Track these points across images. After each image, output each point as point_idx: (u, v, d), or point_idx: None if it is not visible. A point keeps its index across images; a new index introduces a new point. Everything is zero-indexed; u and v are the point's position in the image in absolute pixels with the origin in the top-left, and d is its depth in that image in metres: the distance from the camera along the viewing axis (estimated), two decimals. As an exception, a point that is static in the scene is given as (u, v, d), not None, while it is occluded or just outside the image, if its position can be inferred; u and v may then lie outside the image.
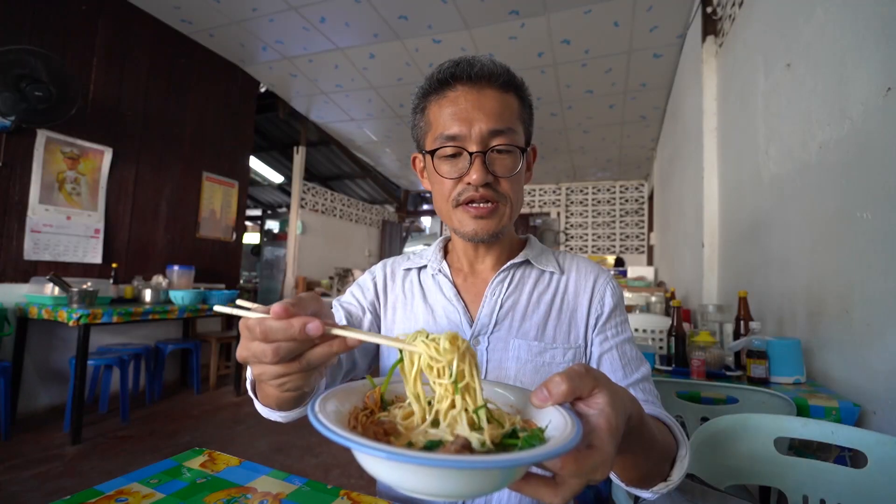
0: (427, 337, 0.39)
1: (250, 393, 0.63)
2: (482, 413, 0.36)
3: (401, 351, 0.40)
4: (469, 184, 0.63)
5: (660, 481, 0.52)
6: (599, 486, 1.22)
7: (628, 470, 0.50)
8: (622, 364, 0.65)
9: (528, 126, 0.69)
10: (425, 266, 0.77)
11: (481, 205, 0.64)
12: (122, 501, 0.51)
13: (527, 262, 0.73)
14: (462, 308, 0.70)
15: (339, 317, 0.71)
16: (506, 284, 0.71)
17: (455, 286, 0.72)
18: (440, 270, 0.74)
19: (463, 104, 0.62)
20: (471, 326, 0.68)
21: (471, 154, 0.62)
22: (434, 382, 0.38)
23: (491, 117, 0.62)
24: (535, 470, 0.37)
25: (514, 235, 0.76)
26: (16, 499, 1.80)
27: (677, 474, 0.52)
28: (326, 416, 0.33)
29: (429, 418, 0.37)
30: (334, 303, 0.75)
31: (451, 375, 0.37)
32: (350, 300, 0.76)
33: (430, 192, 0.72)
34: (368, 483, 2.05)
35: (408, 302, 0.74)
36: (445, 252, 0.78)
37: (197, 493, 0.54)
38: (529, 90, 0.69)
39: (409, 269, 0.78)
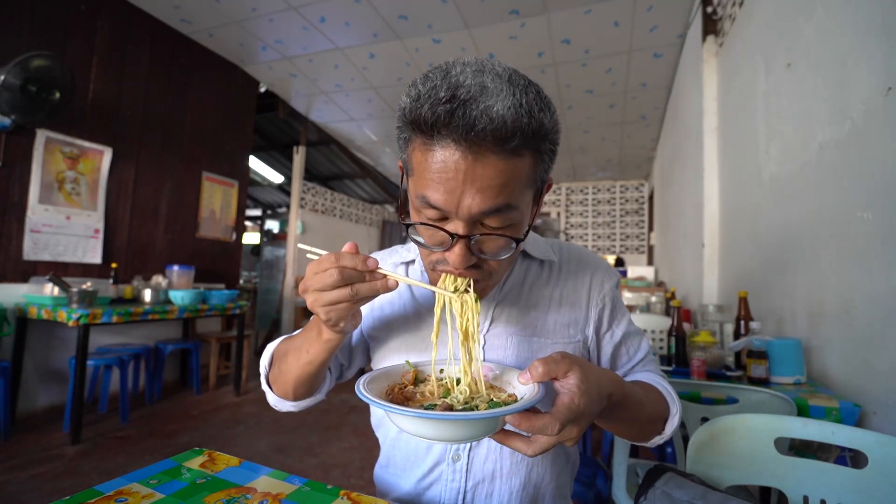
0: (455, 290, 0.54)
1: (265, 387, 0.67)
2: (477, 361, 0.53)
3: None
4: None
5: (655, 436, 0.62)
6: (599, 486, 1.22)
7: (623, 432, 0.61)
8: (626, 349, 0.71)
9: (543, 177, 0.55)
10: (413, 261, 0.74)
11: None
12: (121, 502, 0.51)
13: (523, 253, 0.69)
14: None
15: None
16: (502, 280, 0.68)
17: None
18: None
19: (453, 170, 0.47)
20: None
21: (452, 236, 0.50)
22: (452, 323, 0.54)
23: (486, 194, 0.47)
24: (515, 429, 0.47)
25: None
26: (16, 499, 1.80)
27: (669, 429, 0.62)
28: (368, 390, 0.49)
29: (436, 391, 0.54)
30: None
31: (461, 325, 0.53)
32: None
33: None
34: (368, 483, 2.04)
35: (395, 301, 0.72)
36: None
37: (197, 494, 0.54)
38: (558, 123, 0.53)
39: (396, 265, 0.75)
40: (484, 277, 0.55)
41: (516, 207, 0.51)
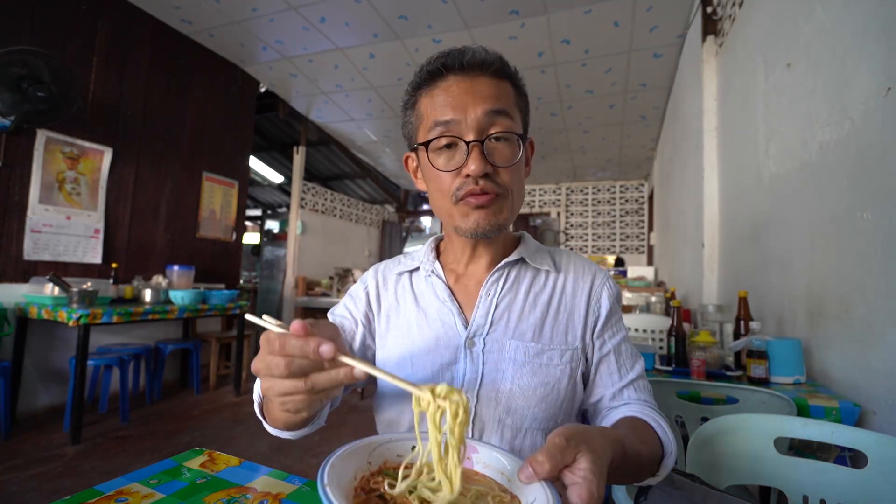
0: (435, 390, 0.41)
1: (258, 414, 0.63)
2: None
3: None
4: (468, 176, 0.60)
5: (648, 476, 0.57)
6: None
7: (617, 481, 0.56)
8: (618, 366, 0.67)
9: (524, 115, 0.67)
10: (417, 268, 0.74)
11: (481, 196, 0.61)
12: (122, 501, 0.51)
13: (521, 261, 0.71)
14: (456, 309, 0.68)
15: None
16: (501, 284, 0.69)
17: (448, 287, 0.70)
18: (433, 272, 0.71)
19: (456, 91, 0.60)
20: (465, 328, 0.66)
21: (467, 143, 0.59)
22: (432, 430, 0.41)
23: (487, 100, 0.60)
24: None
25: (508, 233, 0.74)
26: (16, 499, 1.80)
27: (664, 471, 0.57)
28: (333, 492, 0.35)
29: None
30: (329, 315, 0.74)
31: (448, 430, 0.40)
32: (343, 312, 0.74)
33: (426, 192, 0.69)
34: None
35: (400, 307, 0.72)
36: (438, 253, 0.76)
37: (197, 493, 0.54)
38: (524, 81, 0.66)
39: (400, 274, 0.75)
40: (501, 192, 0.62)
41: (513, 117, 0.62)
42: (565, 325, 0.67)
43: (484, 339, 0.66)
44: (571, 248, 7.34)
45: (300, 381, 0.41)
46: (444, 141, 0.61)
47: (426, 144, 0.62)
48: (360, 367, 0.40)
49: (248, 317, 0.48)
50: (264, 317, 0.46)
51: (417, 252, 0.77)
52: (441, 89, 0.61)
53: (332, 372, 0.41)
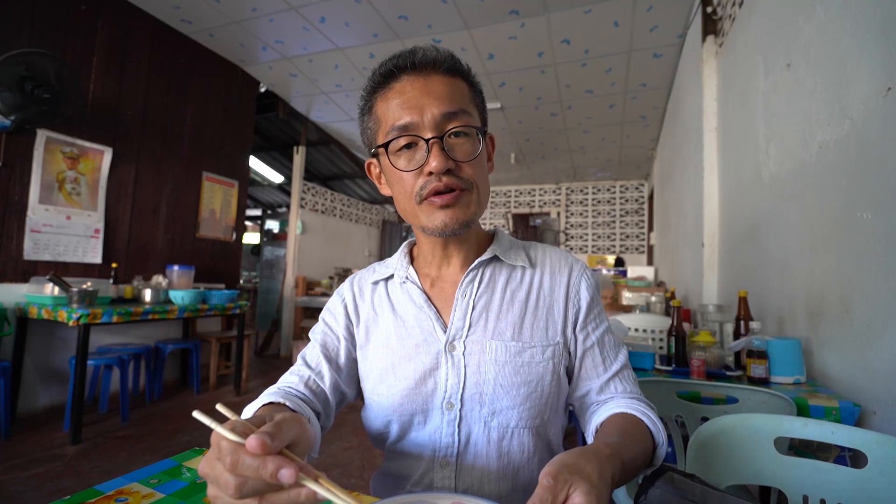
0: None
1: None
2: None
3: None
4: (430, 174, 0.59)
5: (644, 470, 0.57)
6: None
7: (617, 486, 0.55)
8: (602, 358, 0.67)
9: (481, 112, 0.66)
10: (392, 276, 0.73)
11: (446, 194, 0.60)
12: (122, 501, 0.51)
13: (496, 259, 0.70)
14: (434, 314, 0.67)
15: (316, 354, 0.70)
16: (476, 284, 0.68)
17: (424, 292, 0.69)
18: (408, 278, 0.70)
19: (410, 92, 0.59)
20: (444, 332, 0.65)
21: (427, 141, 0.58)
22: None
23: (442, 100, 0.59)
24: None
25: (480, 231, 0.73)
26: (16, 499, 1.80)
27: (657, 462, 0.58)
28: None
29: None
30: (310, 335, 0.74)
31: None
32: (324, 329, 0.73)
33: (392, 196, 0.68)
34: (368, 483, 2.04)
35: (378, 317, 0.71)
36: (412, 258, 0.74)
37: (197, 493, 0.54)
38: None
39: (376, 283, 0.74)
40: (466, 186, 0.61)
41: (470, 114, 0.62)
42: (545, 321, 0.66)
43: (464, 342, 0.65)
44: (571, 248, 7.36)
45: (254, 500, 0.36)
46: (403, 141, 0.60)
47: (385, 146, 0.61)
48: (324, 495, 0.36)
49: (197, 415, 0.37)
50: (220, 407, 0.40)
51: (391, 259, 0.76)
52: (395, 91, 0.61)
53: (291, 493, 0.36)
